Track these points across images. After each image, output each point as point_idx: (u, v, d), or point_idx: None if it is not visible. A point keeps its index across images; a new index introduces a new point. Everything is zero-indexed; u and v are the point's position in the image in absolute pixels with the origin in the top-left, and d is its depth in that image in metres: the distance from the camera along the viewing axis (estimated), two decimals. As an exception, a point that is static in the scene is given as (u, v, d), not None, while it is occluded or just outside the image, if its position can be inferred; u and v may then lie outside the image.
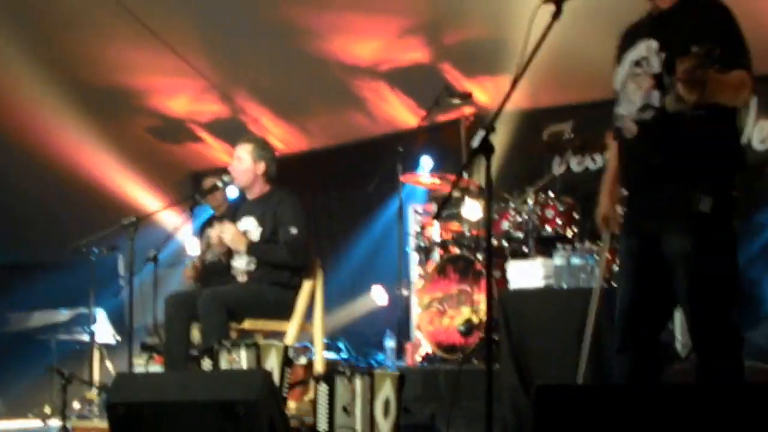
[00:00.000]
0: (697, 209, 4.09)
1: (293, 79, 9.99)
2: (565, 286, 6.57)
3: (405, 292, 9.29)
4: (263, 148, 6.86)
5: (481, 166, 8.31)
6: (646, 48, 4.25)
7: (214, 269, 8.48)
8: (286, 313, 6.46)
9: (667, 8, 4.29)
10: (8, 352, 8.91)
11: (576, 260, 6.51)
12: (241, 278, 6.73)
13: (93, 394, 8.27)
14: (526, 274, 6.90)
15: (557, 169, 8.99)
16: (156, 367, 7.17)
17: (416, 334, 8.25)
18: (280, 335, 6.49)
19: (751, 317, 7.75)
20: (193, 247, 9.28)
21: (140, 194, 11.44)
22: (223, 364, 5.74)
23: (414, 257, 8.81)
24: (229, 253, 6.82)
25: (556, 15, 3.98)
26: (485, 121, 9.11)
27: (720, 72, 3.84)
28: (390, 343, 8.31)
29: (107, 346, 9.23)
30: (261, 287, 6.55)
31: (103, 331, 9.17)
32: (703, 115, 4.01)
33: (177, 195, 11.60)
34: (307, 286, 6.60)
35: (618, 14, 4.51)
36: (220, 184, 6.94)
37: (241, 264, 6.73)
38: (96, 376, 8.78)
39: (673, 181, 4.17)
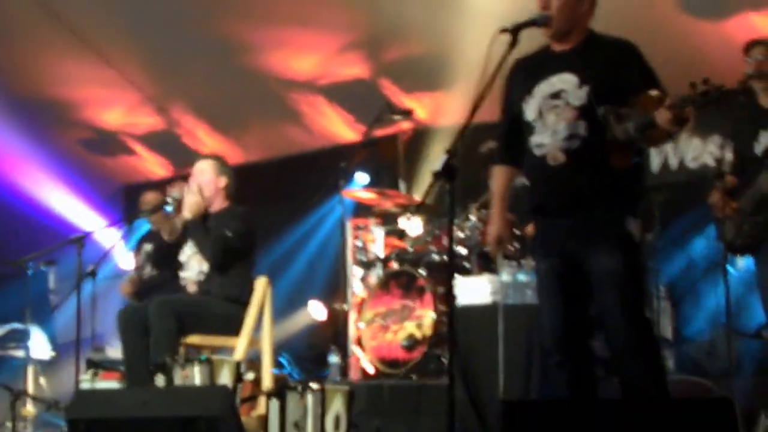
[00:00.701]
0: (627, 230, 4.44)
1: (230, 93, 10.03)
2: (511, 302, 6.65)
3: (344, 307, 9.34)
4: (224, 164, 6.88)
5: (422, 181, 8.46)
6: (562, 82, 4.49)
7: (152, 284, 8.53)
8: (235, 329, 6.43)
9: (575, 46, 4.58)
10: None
11: (522, 276, 6.61)
12: (191, 288, 6.71)
13: (29, 410, 8.15)
14: (473, 290, 6.98)
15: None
16: (102, 384, 7.10)
17: (354, 348, 8.27)
18: (227, 350, 6.48)
19: (681, 335, 7.99)
20: (127, 262, 9.23)
21: (73, 208, 11.34)
22: (177, 380, 5.73)
23: (356, 272, 8.83)
24: (177, 264, 6.83)
25: (513, 44, 4.24)
26: (424, 136, 9.38)
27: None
28: (334, 358, 8.32)
29: (41, 362, 9.09)
30: (211, 301, 6.52)
31: (39, 346, 9.06)
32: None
33: (110, 209, 11.56)
34: (256, 301, 6.59)
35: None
36: (169, 200, 6.89)
37: (192, 274, 6.71)
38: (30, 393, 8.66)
39: (603, 204, 4.46)
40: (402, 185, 9.20)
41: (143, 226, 9.08)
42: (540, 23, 4.49)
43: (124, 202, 12.15)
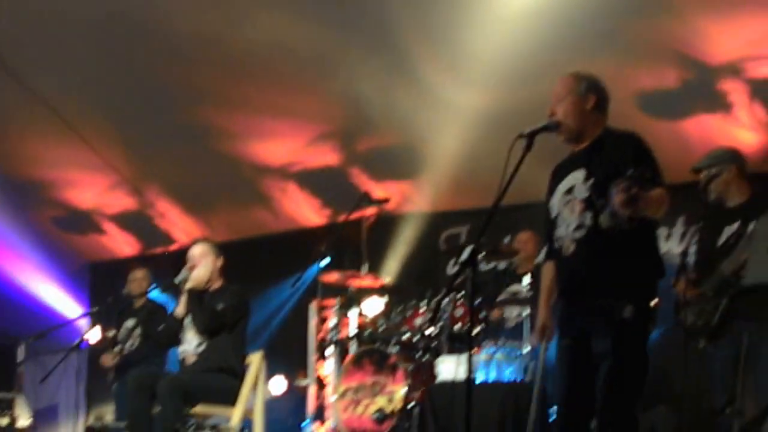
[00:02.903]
0: (620, 317, 4.63)
1: (204, 176, 10.51)
2: (489, 380, 7.18)
3: (304, 382, 9.78)
4: (216, 247, 7.50)
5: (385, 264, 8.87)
6: (574, 178, 4.87)
7: (133, 357, 8.97)
8: (232, 399, 6.98)
9: (588, 145, 4.94)
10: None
11: (499, 354, 7.13)
12: (190, 360, 7.22)
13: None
14: (452, 367, 7.44)
15: (450, 269, 9.68)
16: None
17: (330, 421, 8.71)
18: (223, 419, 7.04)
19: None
20: (94, 336, 9.57)
21: (41, 282, 11.69)
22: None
23: (330, 350, 9.23)
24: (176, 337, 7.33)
25: (528, 148, 4.61)
26: (387, 222, 9.90)
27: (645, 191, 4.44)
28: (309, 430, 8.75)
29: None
30: (213, 376, 7.04)
31: (23, 417, 9.38)
32: (634, 227, 4.57)
33: (76, 285, 11.89)
34: (252, 374, 7.15)
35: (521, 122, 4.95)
36: (181, 278, 7.37)
37: (191, 347, 7.22)
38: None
39: (600, 291, 4.72)
40: (364, 267, 9.68)
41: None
42: (551, 129, 4.87)
43: (91, 278, 12.49)
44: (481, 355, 7.36)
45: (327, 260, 9.25)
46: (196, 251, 7.41)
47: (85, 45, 8.74)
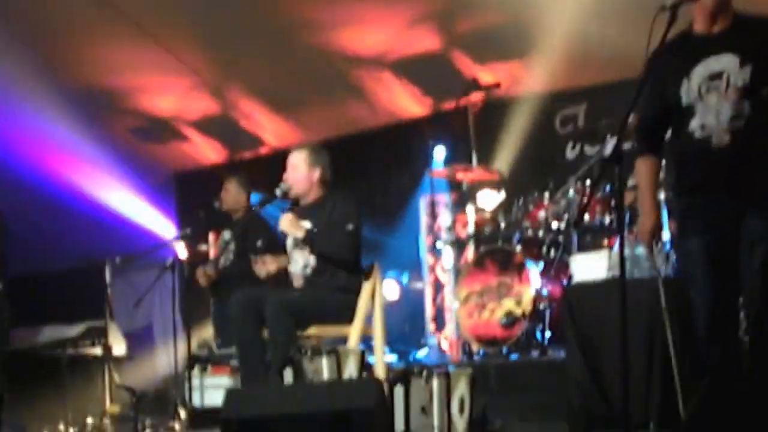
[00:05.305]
0: None
1: (291, 73, 9.79)
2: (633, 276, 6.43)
3: (419, 286, 9.19)
4: (318, 153, 6.67)
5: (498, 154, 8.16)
6: (722, 62, 4.50)
7: (230, 273, 8.29)
8: (347, 318, 6.29)
9: (726, 28, 4.58)
10: (16, 369, 8.52)
11: (640, 250, 6.38)
12: (297, 282, 6.54)
13: (114, 408, 8.01)
14: (588, 266, 6.79)
15: (570, 154, 8.98)
16: (212, 379, 6.95)
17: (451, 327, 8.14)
18: (341, 339, 6.36)
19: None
20: (183, 253, 9.00)
21: (126, 201, 11.14)
22: (308, 374, 5.60)
23: (447, 250, 8.64)
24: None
25: (672, 21, 4.26)
26: (496, 107, 9.14)
27: None
28: (432, 339, 8.18)
29: (117, 360, 8.93)
30: (323, 293, 6.39)
31: (117, 344, 8.90)
32: None
33: (161, 198, 11.37)
34: (367, 288, 6.40)
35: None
36: (278, 192, 6.64)
37: (297, 268, 6.54)
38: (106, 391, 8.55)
39: (762, 173, 4.47)
40: (475, 159, 8.99)
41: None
42: None
43: (176, 189, 11.95)
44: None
45: (440, 153, 8.61)
46: (288, 163, 6.66)
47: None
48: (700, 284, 4.60)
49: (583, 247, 7.45)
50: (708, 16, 4.57)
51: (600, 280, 6.57)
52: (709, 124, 4.51)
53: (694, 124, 4.55)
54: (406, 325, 9.26)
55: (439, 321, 8.96)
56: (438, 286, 9.13)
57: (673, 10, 4.27)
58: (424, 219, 9.18)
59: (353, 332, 6.27)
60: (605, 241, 7.22)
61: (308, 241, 6.41)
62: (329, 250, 6.42)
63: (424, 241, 9.12)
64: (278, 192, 6.57)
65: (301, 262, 6.53)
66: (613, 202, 7.38)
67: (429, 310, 9.18)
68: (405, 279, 9.40)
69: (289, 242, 6.64)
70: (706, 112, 4.52)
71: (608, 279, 6.47)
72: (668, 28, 4.24)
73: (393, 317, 9.29)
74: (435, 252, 9.16)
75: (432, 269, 9.24)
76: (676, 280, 5.85)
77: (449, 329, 8.64)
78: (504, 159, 9.16)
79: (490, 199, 8.22)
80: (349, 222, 6.40)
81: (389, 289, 9.50)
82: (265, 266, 6.61)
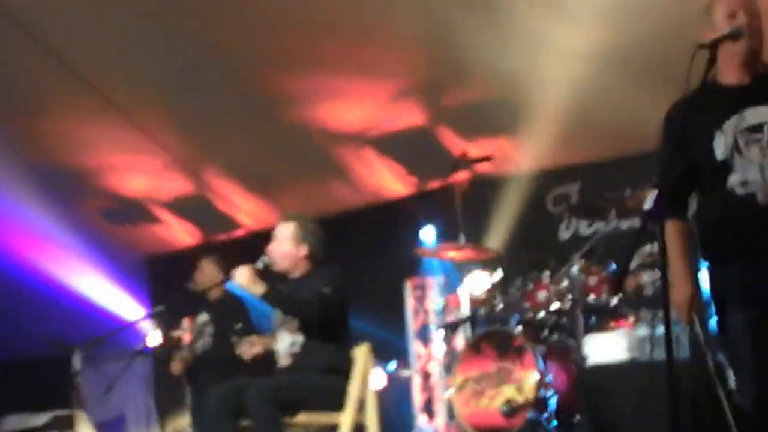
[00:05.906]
0: None
1: (268, 150, 9.48)
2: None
3: (406, 373, 8.81)
4: (307, 228, 6.24)
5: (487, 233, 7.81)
6: (761, 115, 4.23)
7: (208, 359, 7.85)
8: (338, 403, 5.83)
9: (758, 78, 4.32)
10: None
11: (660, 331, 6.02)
12: (284, 362, 6.11)
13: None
14: (606, 346, 6.47)
15: (564, 233, 8.70)
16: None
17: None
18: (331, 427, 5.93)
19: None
20: (155, 339, 8.56)
21: (94, 282, 10.74)
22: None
23: (437, 334, 8.27)
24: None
25: (712, 60, 4.03)
26: (482, 185, 8.82)
27: None
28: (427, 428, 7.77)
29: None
30: (310, 376, 5.96)
31: (84, 432, 8.48)
32: None
33: (133, 282, 10.98)
34: (358, 372, 5.96)
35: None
36: (260, 265, 6.19)
37: (284, 346, 6.10)
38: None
39: None
40: (461, 238, 8.65)
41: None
42: (735, 36, 4.16)
43: (149, 273, 11.56)
44: (639, 331, 6.22)
45: (429, 233, 8.44)
46: (274, 236, 6.24)
47: (125, 10, 7.65)
48: (749, 368, 4.19)
49: (587, 330, 7.06)
50: (739, 65, 4.30)
51: (616, 362, 6.25)
52: (752, 180, 4.18)
53: (734, 181, 4.22)
54: (394, 414, 8.83)
55: (429, 409, 8.53)
56: (426, 373, 8.71)
57: (712, 49, 4.01)
58: (410, 302, 8.77)
59: (345, 418, 5.82)
60: (611, 323, 6.86)
61: (271, 299, 5.95)
62: (296, 309, 5.97)
63: (411, 326, 8.70)
64: (259, 264, 6.11)
65: (288, 340, 6.09)
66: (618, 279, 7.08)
67: (417, 399, 8.76)
68: (392, 367, 8.98)
69: (277, 317, 6.18)
70: (746, 167, 4.20)
71: (631, 360, 6.12)
72: (708, 68, 4.00)
73: (381, 406, 8.94)
74: (423, 337, 8.75)
75: (420, 355, 8.82)
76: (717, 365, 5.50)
77: (440, 419, 8.22)
78: (494, 239, 8.90)
79: (482, 279, 7.84)
80: (325, 286, 5.96)
81: (376, 377, 9.10)
82: (252, 348, 6.20)
